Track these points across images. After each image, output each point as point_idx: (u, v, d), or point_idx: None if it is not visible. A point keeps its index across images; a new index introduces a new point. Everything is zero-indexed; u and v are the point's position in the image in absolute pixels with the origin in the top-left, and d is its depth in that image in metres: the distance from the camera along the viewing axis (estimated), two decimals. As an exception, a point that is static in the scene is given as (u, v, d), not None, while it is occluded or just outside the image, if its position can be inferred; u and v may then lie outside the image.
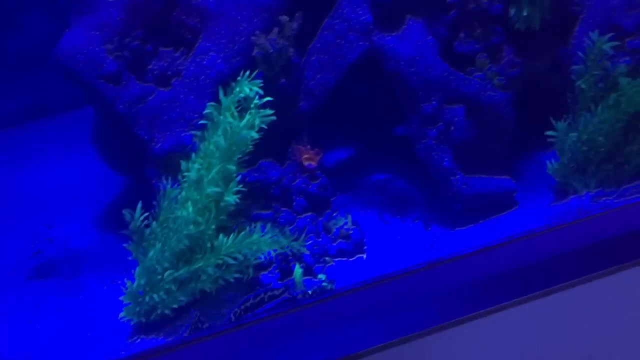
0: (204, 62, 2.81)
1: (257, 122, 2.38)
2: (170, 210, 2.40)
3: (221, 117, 2.42)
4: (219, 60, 2.80)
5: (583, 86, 2.47)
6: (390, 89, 2.81)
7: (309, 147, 2.80)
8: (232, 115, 2.39)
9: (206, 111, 2.50)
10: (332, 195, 2.83)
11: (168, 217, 2.40)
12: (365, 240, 2.71)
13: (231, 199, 2.32)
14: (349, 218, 2.71)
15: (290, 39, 2.75)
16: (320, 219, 2.71)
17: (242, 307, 2.19)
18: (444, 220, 2.75)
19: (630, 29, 2.49)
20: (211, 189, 2.32)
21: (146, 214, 2.38)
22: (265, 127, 2.47)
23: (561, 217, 2.54)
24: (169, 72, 2.88)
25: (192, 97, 2.78)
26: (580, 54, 2.50)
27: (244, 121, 2.36)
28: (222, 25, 2.83)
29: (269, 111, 2.43)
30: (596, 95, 2.45)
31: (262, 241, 2.27)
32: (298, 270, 2.35)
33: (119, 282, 2.54)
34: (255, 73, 2.71)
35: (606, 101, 2.40)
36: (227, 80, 2.78)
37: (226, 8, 2.84)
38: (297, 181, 2.74)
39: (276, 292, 2.22)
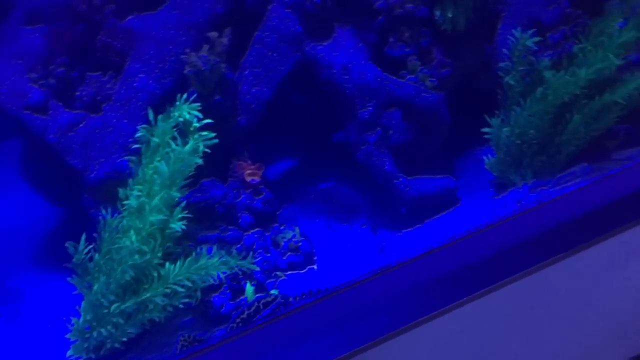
0: (135, 84, 2.73)
1: (200, 147, 2.33)
2: (113, 241, 2.32)
3: (158, 141, 2.36)
4: (150, 82, 2.74)
5: (511, 82, 2.53)
6: (327, 97, 2.82)
7: (250, 162, 2.77)
8: (175, 141, 2.32)
9: (139, 134, 2.41)
10: (278, 208, 2.81)
11: (111, 248, 2.32)
12: (314, 250, 2.70)
13: (177, 225, 2.26)
14: (297, 230, 2.69)
15: (221, 55, 2.71)
16: (268, 233, 2.68)
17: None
18: (391, 223, 2.77)
19: (550, 23, 2.58)
20: (155, 217, 2.25)
21: (90, 246, 2.29)
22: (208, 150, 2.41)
23: (502, 210, 2.60)
24: (99, 97, 2.79)
25: (125, 121, 2.70)
26: (505, 51, 2.56)
27: (188, 147, 2.30)
28: (150, 46, 2.76)
29: (211, 134, 2.38)
30: (524, 90, 2.52)
31: (210, 264, 2.22)
32: (249, 289, 2.31)
33: (64, 318, 2.43)
34: (188, 93, 2.70)
35: (534, 95, 2.47)
36: (160, 101, 2.72)
37: (153, 28, 2.77)
38: (241, 197, 2.70)
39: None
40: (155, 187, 2.27)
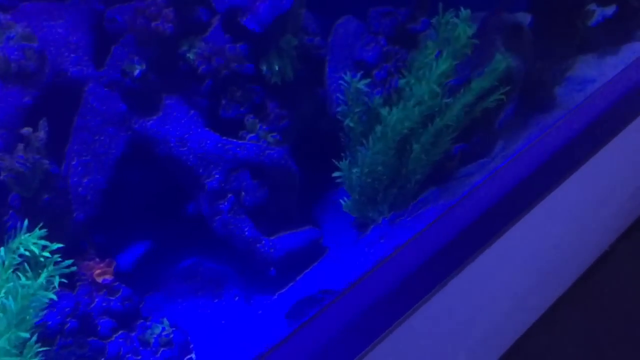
0: (-57, 202, 2.35)
1: (57, 280, 2.01)
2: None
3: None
4: (-38, 196, 2.36)
5: (351, 124, 2.50)
6: (170, 172, 2.61)
7: (97, 259, 2.48)
8: (25, 275, 1.98)
9: None
10: (141, 301, 2.54)
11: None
12: (189, 338, 2.46)
13: None
14: (165, 322, 2.43)
15: (41, 151, 2.40)
16: (134, 333, 2.40)
17: None
18: (263, 288, 2.61)
19: (373, 62, 2.60)
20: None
21: None
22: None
23: (369, 249, 2.55)
24: None
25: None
26: (339, 95, 2.54)
27: (40, 280, 1.97)
28: (-47, 156, 2.39)
29: (68, 261, 2.06)
30: (365, 129, 2.50)
31: None
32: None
33: None
34: (10, 198, 2.37)
35: (374, 134, 2.46)
36: (-22, 215, 2.37)
37: (-47, 135, 2.41)
38: (95, 302, 2.39)
39: None
40: (1, 327, 1.92)
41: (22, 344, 1.94)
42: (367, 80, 2.51)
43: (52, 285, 2.00)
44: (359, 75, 2.50)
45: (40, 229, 2.42)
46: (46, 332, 2.21)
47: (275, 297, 2.55)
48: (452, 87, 2.53)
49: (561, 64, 3.13)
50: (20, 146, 2.37)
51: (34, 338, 1.96)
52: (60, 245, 2.06)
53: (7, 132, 2.46)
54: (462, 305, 2.31)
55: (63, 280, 2.03)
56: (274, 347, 1.99)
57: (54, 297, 1.98)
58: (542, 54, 3.02)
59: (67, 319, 2.26)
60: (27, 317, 1.95)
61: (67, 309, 2.28)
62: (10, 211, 2.44)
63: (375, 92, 2.54)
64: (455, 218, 2.21)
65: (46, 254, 2.01)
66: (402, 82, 2.48)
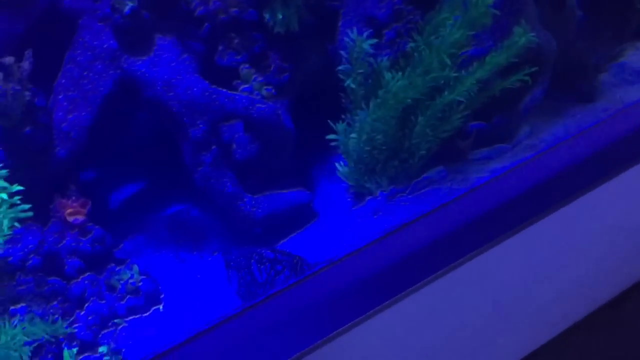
0: None
1: (6, 223, 1.90)
2: None
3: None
4: (-61, 119, 2.27)
5: (352, 85, 2.28)
6: (157, 116, 2.47)
7: (74, 198, 2.37)
8: None
9: None
10: (116, 245, 2.44)
11: None
12: (160, 288, 2.34)
13: None
14: (135, 269, 2.32)
15: (23, 82, 2.28)
16: (102, 277, 2.30)
17: None
18: (244, 247, 2.46)
19: (384, 20, 2.34)
20: None
21: None
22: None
23: (362, 222, 2.36)
24: None
25: None
26: (343, 53, 2.31)
27: None
28: None
29: (24, 206, 1.95)
30: (367, 93, 2.27)
31: (12, 340, 1.82)
32: (67, 353, 1.93)
33: None
34: None
35: (375, 99, 2.24)
36: (-45, 143, 2.28)
37: (-64, 56, 2.30)
38: (65, 241, 2.29)
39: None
40: None
41: None
42: (373, 41, 2.26)
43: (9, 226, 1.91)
44: (366, 33, 2.27)
45: (19, 162, 2.34)
46: (6, 267, 2.13)
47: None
48: (470, 59, 2.28)
49: (610, 48, 2.78)
50: (0, 75, 2.25)
51: None
52: (20, 187, 1.95)
53: (-7, 58, 2.35)
54: (448, 308, 2.05)
55: (16, 224, 1.92)
56: (242, 311, 1.84)
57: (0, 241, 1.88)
58: (587, 34, 2.70)
59: (30, 256, 2.17)
60: None
61: (30, 246, 2.19)
62: (-9, 140, 2.35)
63: (383, 53, 2.30)
64: (468, 206, 1.93)
65: (3, 195, 1.91)
66: (410, 46, 2.24)
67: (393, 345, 1.85)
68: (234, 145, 2.38)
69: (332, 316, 1.71)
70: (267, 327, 1.72)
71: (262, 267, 2.15)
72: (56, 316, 1.97)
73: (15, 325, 1.85)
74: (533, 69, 2.23)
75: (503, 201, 1.93)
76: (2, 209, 1.90)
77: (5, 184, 1.94)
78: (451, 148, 2.34)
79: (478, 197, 1.96)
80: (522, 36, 2.16)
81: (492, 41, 2.34)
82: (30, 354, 1.96)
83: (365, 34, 2.28)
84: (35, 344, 1.95)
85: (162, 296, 2.33)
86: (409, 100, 2.22)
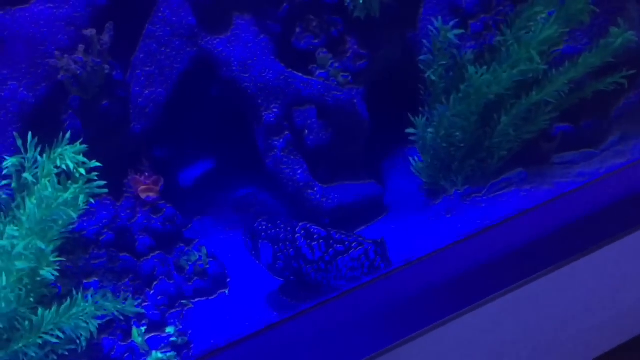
0: (3, 93, 2.28)
1: (81, 198, 1.91)
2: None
3: (30, 178, 1.92)
4: (22, 89, 2.29)
5: (433, 77, 2.16)
6: (231, 96, 2.43)
7: (147, 174, 2.37)
8: (53, 185, 1.89)
9: (7, 165, 1.95)
10: (185, 225, 2.42)
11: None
12: (227, 272, 2.30)
13: (46, 273, 1.86)
14: (204, 251, 2.30)
15: (103, 55, 2.27)
16: (171, 256, 2.29)
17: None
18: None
19: (471, 11, 2.20)
20: (21, 264, 1.85)
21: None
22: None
23: (433, 221, 2.27)
24: (-38, 111, 2.35)
25: (-8, 138, 2.26)
26: (425, 42, 2.19)
27: (65, 196, 1.87)
28: (19, 47, 2.30)
29: (100, 182, 1.94)
30: (448, 86, 2.16)
31: (84, 312, 1.83)
32: (136, 331, 1.95)
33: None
34: (70, 100, 2.28)
35: (457, 93, 2.12)
36: (35, 111, 2.29)
37: (21, 25, 2.31)
38: (137, 217, 2.30)
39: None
40: (23, 231, 1.86)
41: (42, 253, 1.88)
42: (460, 31, 2.14)
43: (85, 202, 1.91)
44: (452, 23, 2.15)
45: (95, 135, 2.34)
46: (82, 240, 2.15)
47: None
48: (562, 57, 2.12)
49: None
50: (82, 47, 2.25)
51: (50, 247, 1.87)
52: (98, 164, 1.94)
53: (75, 31, 2.34)
54: (529, 317, 1.93)
55: (90, 200, 1.93)
56: (315, 305, 1.79)
57: (74, 215, 1.88)
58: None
59: (104, 230, 2.19)
60: (47, 231, 1.87)
61: (104, 220, 2.20)
62: (69, 111, 2.36)
63: (467, 45, 2.18)
64: (554, 213, 1.81)
65: (82, 170, 1.91)
66: (498, 39, 2.10)
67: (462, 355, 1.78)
68: (306, 132, 2.32)
69: (410, 318, 1.65)
70: (335, 326, 1.68)
71: (313, 243, 2.05)
72: (127, 294, 1.98)
73: (88, 299, 1.87)
74: (630, 72, 2.06)
75: (593, 210, 1.81)
76: (79, 184, 1.90)
77: (84, 159, 1.94)
78: (533, 149, 2.21)
79: (565, 204, 1.84)
80: (620, 36, 2.00)
81: (587, 39, 2.18)
82: (98, 327, 1.99)
83: (450, 24, 2.15)
84: (105, 319, 1.98)
85: (228, 280, 2.30)
86: (492, 97, 2.10)
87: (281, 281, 2.16)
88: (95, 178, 1.93)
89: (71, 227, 1.96)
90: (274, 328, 1.71)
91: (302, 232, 2.05)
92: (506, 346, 1.84)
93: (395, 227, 2.29)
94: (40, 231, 1.86)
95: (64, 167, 1.90)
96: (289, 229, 2.07)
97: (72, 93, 2.29)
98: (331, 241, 2.03)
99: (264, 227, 2.08)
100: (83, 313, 1.88)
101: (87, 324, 1.87)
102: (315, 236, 2.04)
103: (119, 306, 1.90)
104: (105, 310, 1.89)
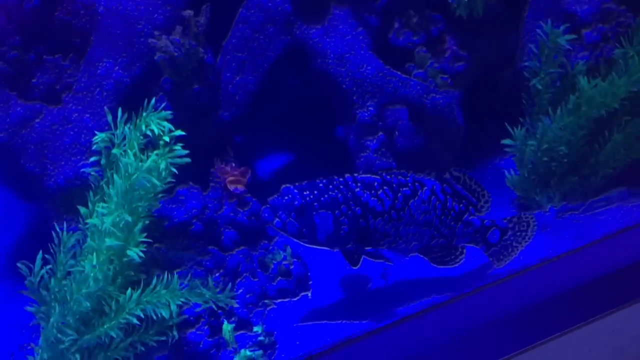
0: (98, 71, 2.22)
1: (162, 165, 1.83)
2: (70, 264, 1.88)
3: (118, 151, 1.86)
4: (117, 68, 2.22)
5: (538, 86, 2.01)
6: (322, 88, 2.31)
7: (234, 164, 2.27)
8: (135, 155, 1.82)
9: (97, 141, 1.89)
10: (269, 219, 2.33)
11: (70, 272, 1.88)
12: (309, 274, 2.18)
13: (133, 253, 1.80)
14: (288, 250, 2.16)
15: (198, 37, 2.17)
16: (256, 253, 2.17)
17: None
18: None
19: (585, 18, 2.03)
20: (110, 242, 1.79)
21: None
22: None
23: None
24: (58, 87, 2.29)
25: (87, 115, 2.20)
26: (532, 47, 2.04)
27: (147, 163, 1.81)
28: (116, 25, 2.22)
29: (181, 151, 1.86)
30: (554, 97, 2.01)
31: (175, 294, 1.77)
32: (227, 327, 1.89)
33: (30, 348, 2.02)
34: (162, 81, 2.21)
35: (565, 105, 1.97)
36: (129, 91, 2.22)
37: (120, 3, 2.22)
38: (223, 209, 2.19)
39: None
40: (112, 205, 1.81)
41: (131, 229, 1.81)
42: (573, 37, 1.98)
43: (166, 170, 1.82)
44: (562, 27, 1.98)
45: (183, 120, 2.26)
46: (169, 227, 2.10)
47: (407, 258, 2.20)
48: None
49: None
50: (179, 29, 2.15)
51: (139, 226, 1.81)
52: (182, 132, 1.84)
53: (172, 11, 2.25)
54: None
55: (172, 169, 1.83)
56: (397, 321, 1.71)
57: (157, 183, 1.79)
58: None
59: (193, 221, 2.11)
60: (133, 202, 1.80)
61: (194, 210, 2.12)
62: (161, 93, 2.28)
63: (579, 56, 2.02)
64: None
65: (166, 138, 1.83)
66: (617, 52, 1.93)
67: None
68: (396, 133, 2.20)
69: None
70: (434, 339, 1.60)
71: (379, 193, 1.78)
72: (223, 285, 1.90)
73: (182, 286, 1.81)
74: None
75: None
76: (162, 151, 1.83)
77: (170, 125, 1.86)
78: (638, 168, 2.06)
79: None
80: None
81: None
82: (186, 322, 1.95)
83: (561, 28, 1.98)
84: (197, 311, 1.93)
85: (311, 282, 2.16)
86: (604, 112, 1.95)
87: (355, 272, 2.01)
88: (178, 148, 1.84)
89: (158, 204, 1.89)
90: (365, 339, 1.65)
91: (359, 184, 1.77)
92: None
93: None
94: (127, 203, 1.79)
95: (149, 132, 1.82)
96: (341, 187, 1.77)
97: (166, 75, 2.20)
98: (394, 186, 1.79)
99: (312, 198, 1.74)
100: (174, 295, 1.83)
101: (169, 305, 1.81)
102: (375, 184, 1.77)
103: (216, 296, 1.83)
104: (201, 297, 1.83)
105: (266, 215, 1.78)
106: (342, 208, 1.74)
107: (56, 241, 1.88)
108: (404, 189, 1.79)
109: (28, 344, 2.06)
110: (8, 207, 2.40)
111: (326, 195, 1.74)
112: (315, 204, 1.74)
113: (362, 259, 1.83)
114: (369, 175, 1.79)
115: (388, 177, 1.79)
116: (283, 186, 1.76)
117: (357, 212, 1.75)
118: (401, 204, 1.78)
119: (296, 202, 1.74)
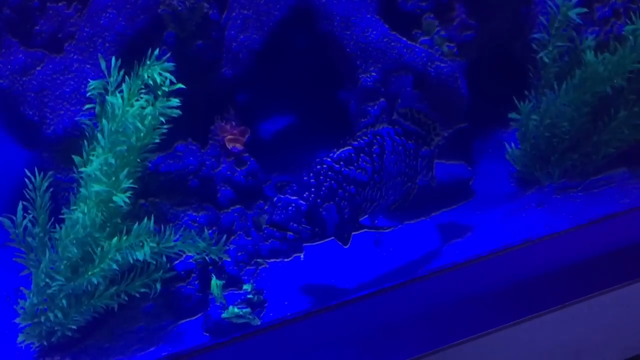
0: (101, 21, 2.14)
1: (148, 110, 1.76)
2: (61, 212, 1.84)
3: (114, 100, 1.79)
4: (120, 19, 2.14)
5: (546, 59, 1.93)
6: (327, 51, 2.23)
7: (233, 123, 2.22)
8: (123, 99, 1.75)
9: (90, 89, 1.82)
10: (265, 180, 2.28)
11: (62, 219, 1.85)
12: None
13: (119, 199, 1.74)
14: None
15: (205, -7, 2.10)
16: (251, 212, 2.13)
17: None
18: (392, 212, 2.15)
19: (600, -8, 1.95)
20: (97, 187, 1.74)
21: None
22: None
23: (522, 212, 2.07)
24: (61, 35, 2.22)
25: (87, 66, 2.14)
26: (542, 19, 1.94)
27: (135, 107, 1.73)
28: (120, -28, 2.14)
29: (174, 102, 1.79)
30: (560, 71, 1.93)
31: (166, 245, 1.73)
32: (214, 283, 1.85)
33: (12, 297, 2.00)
34: (165, 35, 2.13)
35: (571, 80, 1.88)
36: (131, 43, 2.15)
37: (123, -51, 2.13)
38: (221, 167, 2.15)
39: None
40: (99, 150, 1.75)
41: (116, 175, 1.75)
42: (584, 10, 1.88)
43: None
44: (574, 0, 1.88)
45: (186, 76, 2.19)
46: (165, 182, 2.05)
47: (402, 225, 2.15)
48: None
49: None
50: (184, -17, 2.07)
51: (124, 172, 1.75)
52: (181, 85, 1.77)
53: (178, -36, 2.16)
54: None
55: (161, 118, 1.76)
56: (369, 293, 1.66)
57: (141, 127, 1.73)
58: None
59: (190, 177, 2.07)
60: (119, 145, 1.74)
61: (191, 167, 2.07)
62: (164, 47, 2.20)
63: (589, 31, 1.92)
64: None
65: (165, 88, 1.76)
66: (627, 29, 1.83)
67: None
68: (399, 100, 2.12)
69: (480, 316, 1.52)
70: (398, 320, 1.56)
71: (361, 163, 1.73)
72: (214, 241, 1.85)
73: (177, 236, 1.77)
74: None
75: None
76: (151, 97, 1.75)
77: (172, 77, 1.78)
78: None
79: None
80: None
81: None
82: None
83: (573, 0, 1.88)
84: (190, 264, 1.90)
85: (304, 245, 2.11)
86: (609, 89, 1.86)
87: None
88: (174, 100, 1.77)
89: (152, 156, 1.84)
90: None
91: (341, 163, 1.70)
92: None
93: (480, 213, 2.11)
94: (112, 146, 1.73)
95: (150, 82, 1.75)
96: (329, 174, 1.69)
97: (169, 29, 2.13)
98: (365, 149, 1.73)
99: (313, 197, 1.67)
100: (169, 247, 1.79)
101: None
102: (352, 156, 1.71)
103: (208, 248, 1.79)
104: (195, 249, 1.79)
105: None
106: (339, 193, 1.69)
107: (30, 186, 1.84)
108: (375, 147, 1.74)
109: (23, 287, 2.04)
110: (8, 154, 2.36)
111: (323, 188, 1.68)
112: (319, 200, 1.67)
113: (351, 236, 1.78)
114: (342, 150, 1.73)
115: (355, 143, 1.73)
116: (275, 198, 1.70)
117: (352, 190, 1.70)
118: (379, 165, 1.73)
119: (302, 208, 1.65)
